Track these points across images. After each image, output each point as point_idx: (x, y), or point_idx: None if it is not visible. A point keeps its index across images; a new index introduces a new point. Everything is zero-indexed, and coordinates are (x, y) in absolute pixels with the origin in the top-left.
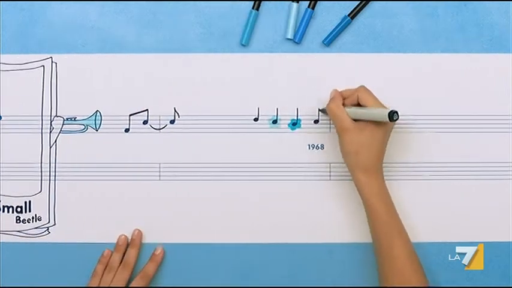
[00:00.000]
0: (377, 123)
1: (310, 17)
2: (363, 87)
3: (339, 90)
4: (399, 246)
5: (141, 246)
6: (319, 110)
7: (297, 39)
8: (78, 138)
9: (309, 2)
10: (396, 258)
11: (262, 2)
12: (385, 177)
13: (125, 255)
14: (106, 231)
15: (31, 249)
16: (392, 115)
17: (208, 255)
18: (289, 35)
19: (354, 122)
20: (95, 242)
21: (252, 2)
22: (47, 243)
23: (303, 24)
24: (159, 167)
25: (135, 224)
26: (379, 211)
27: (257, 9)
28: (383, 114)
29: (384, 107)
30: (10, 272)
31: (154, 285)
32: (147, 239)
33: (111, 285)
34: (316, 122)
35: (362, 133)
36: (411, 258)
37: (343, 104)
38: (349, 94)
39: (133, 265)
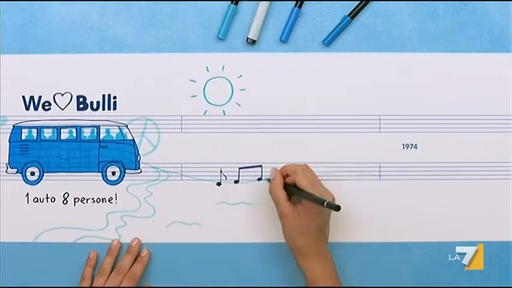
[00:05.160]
0: (316, 208)
1: (297, 16)
2: (303, 168)
3: (279, 168)
4: None
5: (137, 255)
6: (266, 179)
7: (283, 38)
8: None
9: (295, 1)
10: None
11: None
12: (385, 177)
13: (121, 261)
14: (109, 231)
15: (31, 249)
16: (330, 206)
17: (199, 255)
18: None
19: (292, 206)
20: (95, 242)
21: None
22: (47, 243)
23: (289, 23)
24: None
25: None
26: None
27: (236, 3)
28: (320, 202)
29: (322, 190)
30: (10, 272)
31: (153, 286)
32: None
33: (104, 286)
34: None
35: (300, 219)
36: None
37: (285, 182)
38: (291, 171)
39: (127, 272)
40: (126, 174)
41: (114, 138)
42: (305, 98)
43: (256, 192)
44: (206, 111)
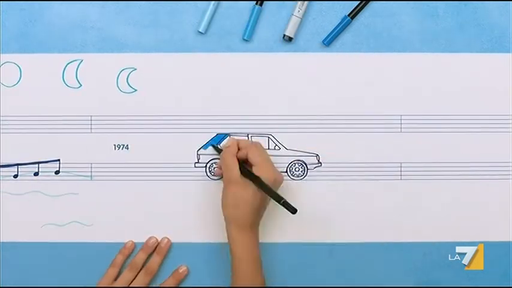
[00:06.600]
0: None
1: (259, 14)
2: (256, 144)
3: (236, 139)
4: None
5: (166, 255)
6: (212, 145)
7: (246, 36)
8: (80, 137)
9: None
10: None
11: (265, 1)
12: (385, 177)
13: (150, 261)
14: (116, 231)
15: (31, 249)
16: (286, 206)
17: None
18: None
19: (241, 176)
20: (96, 242)
21: (252, 1)
22: (48, 242)
23: (251, 21)
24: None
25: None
26: (244, 270)
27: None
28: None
29: (272, 170)
30: (10, 272)
31: (154, 285)
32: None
33: (130, 286)
34: None
35: (246, 189)
36: None
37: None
38: (243, 147)
39: (156, 273)
40: None
41: None
42: (305, 98)
43: None
44: None
